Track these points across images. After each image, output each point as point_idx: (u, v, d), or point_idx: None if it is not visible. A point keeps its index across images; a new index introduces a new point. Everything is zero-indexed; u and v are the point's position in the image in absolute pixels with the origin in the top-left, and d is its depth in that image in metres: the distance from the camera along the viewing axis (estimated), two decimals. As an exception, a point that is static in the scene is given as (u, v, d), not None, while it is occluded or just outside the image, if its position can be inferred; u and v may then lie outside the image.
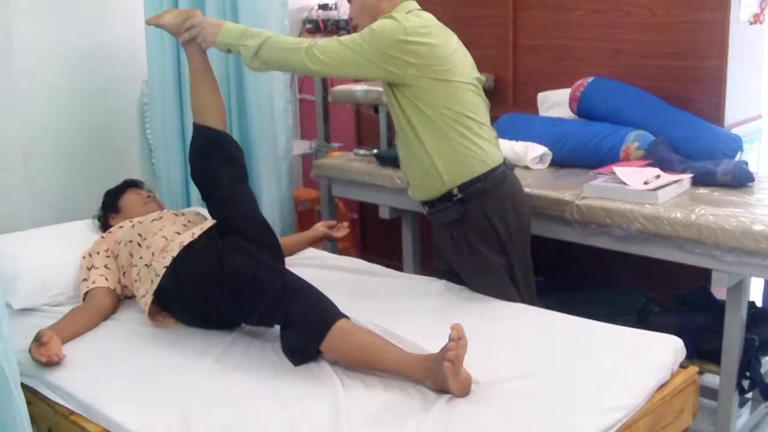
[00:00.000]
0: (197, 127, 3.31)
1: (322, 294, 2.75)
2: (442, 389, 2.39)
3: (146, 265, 3.03)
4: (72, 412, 2.57)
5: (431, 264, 3.48)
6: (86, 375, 2.67)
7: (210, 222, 3.16)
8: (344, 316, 2.67)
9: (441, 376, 2.36)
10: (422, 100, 2.98)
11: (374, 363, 2.54)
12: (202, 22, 3.17)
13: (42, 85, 4.16)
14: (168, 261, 2.94)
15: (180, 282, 2.92)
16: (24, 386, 2.76)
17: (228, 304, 2.83)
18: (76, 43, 4.26)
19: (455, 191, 3.04)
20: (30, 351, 2.74)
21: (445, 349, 2.35)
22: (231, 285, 2.81)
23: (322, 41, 2.99)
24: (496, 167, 3.08)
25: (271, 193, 4.19)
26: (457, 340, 2.33)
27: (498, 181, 3.08)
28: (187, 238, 3.03)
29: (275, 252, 3.20)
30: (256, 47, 3.01)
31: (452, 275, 3.23)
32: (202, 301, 2.89)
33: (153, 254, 3.04)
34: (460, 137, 3.01)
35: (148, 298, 2.96)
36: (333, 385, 2.47)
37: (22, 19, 4.06)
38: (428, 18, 3.07)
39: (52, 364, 2.71)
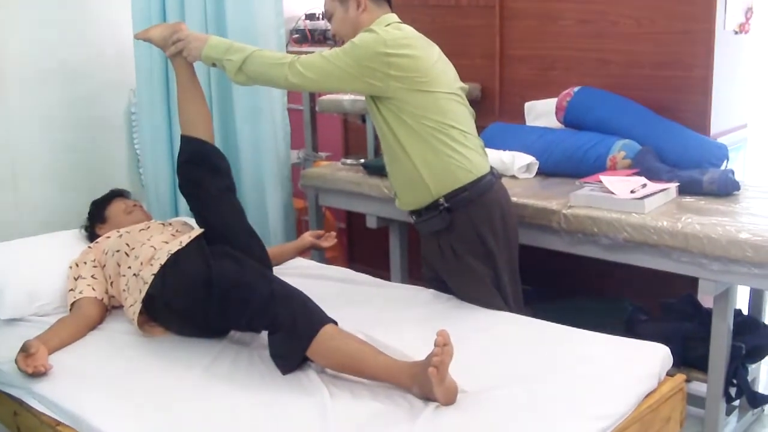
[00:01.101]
0: (185, 139, 3.30)
1: (309, 299, 2.75)
2: (427, 397, 2.39)
3: (134, 274, 3.02)
4: (58, 423, 2.56)
5: (419, 273, 3.49)
6: (73, 385, 2.66)
7: (198, 231, 3.16)
8: (332, 321, 2.68)
9: (426, 383, 2.36)
10: (405, 111, 3.00)
11: (361, 369, 2.54)
12: (188, 36, 3.20)
13: (29, 95, 4.16)
14: (156, 268, 2.93)
15: (168, 289, 2.91)
16: (10, 397, 2.77)
17: (216, 310, 2.82)
18: (63, 53, 4.26)
19: (441, 201, 3.04)
20: (16, 361, 2.72)
21: (430, 355, 2.35)
22: (219, 290, 2.81)
23: (305, 57, 3.01)
24: (483, 176, 3.09)
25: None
26: (443, 346, 2.34)
27: (484, 190, 3.09)
28: (175, 246, 3.02)
29: (263, 261, 3.19)
30: (240, 62, 3.04)
31: (440, 283, 3.24)
32: (191, 307, 2.88)
33: (141, 264, 3.03)
34: (444, 147, 3.02)
35: (137, 307, 2.94)
36: (321, 394, 2.47)
37: (8, 30, 4.05)
38: (409, 30, 3.09)
39: (38, 374, 2.69)
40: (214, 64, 3.15)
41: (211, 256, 2.96)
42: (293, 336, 2.63)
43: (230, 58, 3.06)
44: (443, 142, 3.02)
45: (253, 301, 2.73)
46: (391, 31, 3.00)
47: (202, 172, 3.25)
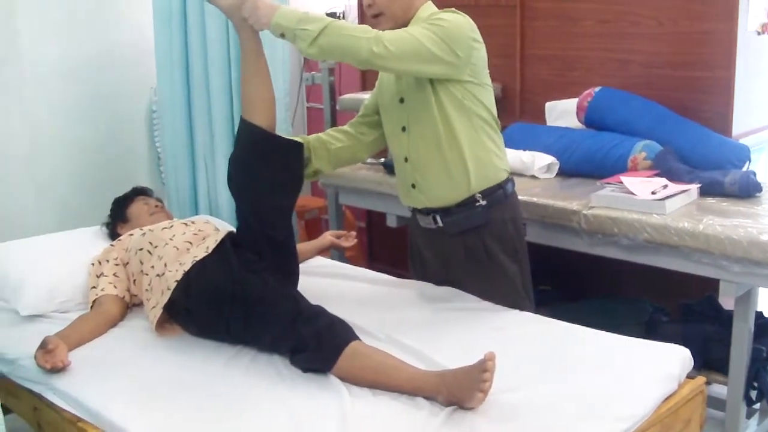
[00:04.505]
0: (245, 125, 3.04)
1: (334, 317, 2.73)
2: (452, 405, 2.39)
3: (158, 275, 3.03)
4: (79, 419, 2.57)
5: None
6: (93, 382, 2.67)
7: (223, 232, 3.15)
8: (356, 338, 2.65)
9: (459, 395, 2.35)
10: (466, 100, 2.94)
11: (386, 383, 2.51)
12: (257, 2, 2.86)
13: (51, 93, 4.19)
14: (179, 275, 2.93)
15: (191, 297, 2.90)
16: (31, 392, 2.79)
17: (239, 325, 2.80)
18: (84, 50, 4.29)
19: (477, 197, 3.01)
20: (35, 357, 2.74)
21: (475, 378, 2.33)
22: (243, 307, 2.79)
23: (390, 32, 2.82)
24: (510, 175, 3.11)
25: None
26: (492, 371, 2.33)
27: (512, 189, 3.10)
28: (201, 252, 3.01)
29: (291, 277, 3.14)
30: (316, 32, 2.74)
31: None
32: (213, 318, 2.87)
33: (165, 264, 3.03)
34: (490, 142, 3.01)
35: (158, 310, 2.94)
36: (340, 392, 2.47)
37: (30, 27, 4.08)
38: None
39: (56, 370, 2.71)
40: (282, 35, 2.83)
41: (238, 267, 2.92)
42: (317, 357, 2.60)
43: (305, 27, 2.75)
44: (490, 137, 3.01)
45: (278, 320, 2.71)
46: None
47: (261, 165, 3.02)
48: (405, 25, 2.94)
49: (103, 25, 4.38)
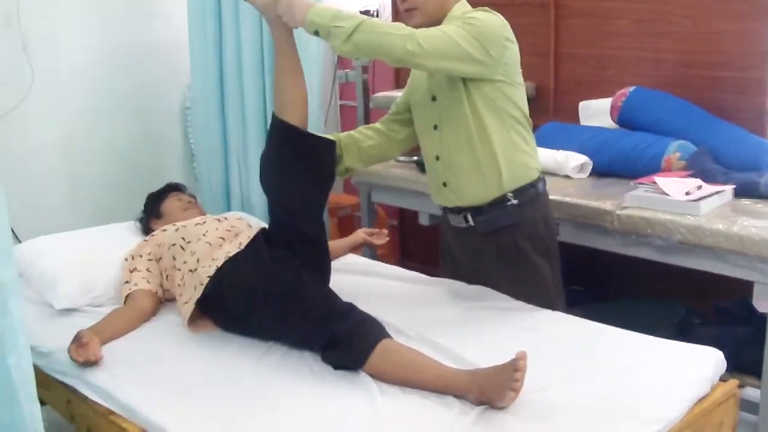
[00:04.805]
0: (278, 122, 3.03)
1: (366, 315, 2.73)
2: (483, 404, 2.38)
3: (190, 270, 3.05)
4: (111, 412, 2.59)
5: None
6: (126, 376, 2.69)
7: (256, 229, 3.16)
8: (387, 335, 2.65)
9: (490, 394, 2.35)
10: (499, 99, 2.93)
11: (417, 381, 2.50)
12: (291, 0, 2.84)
13: (86, 88, 4.23)
14: (212, 271, 2.95)
15: (224, 293, 2.92)
16: (64, 385, 2.81)
17: (271, 321, 2.82)
18: (119, 46, 4.33)
19: (509, 196, 3.00)
20: (68, 351, 2.77)
21: (507, 378, 2.33)
22: (276, 303, 2.80)
23: (424, 30, 2.81)
24: (541, 174, 3.10)
25: None
26: (523, 370, 2.33)
27: (543, 189, 3.09)
28: (234, 248, 3.03)
29: (323, 274, 3.14)
30: (351, 29, 2.72)
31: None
32: (245, 315, 2.88)
33: (198, 260, 3.05)
34: (522, 141, 3.00)
35: (190, 306, 2.96)
36: (370, 389, 2.48)
37: (67, 19, 4.12)
38: None
39: (89, 364, 2.74)
40: (316, 32, 2.80)
41: (271, 264, 2.94)
42: (348, 354, 2.60)
43: (339, 24, 2.73)
44: (522, 135, 3.00)
45: (310, 317, 2.72)
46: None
47: (294, 165, 3.03)
48: (438, 21, 2.93)
49: (138, 21, 4.41)
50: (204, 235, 3.19)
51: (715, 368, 2.59)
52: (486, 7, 2.94)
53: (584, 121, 4.13)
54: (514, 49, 2.95)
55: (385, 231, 3.67)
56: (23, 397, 2.10)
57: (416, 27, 2.82)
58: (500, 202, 3.01)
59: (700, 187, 3.24)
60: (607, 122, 3.95)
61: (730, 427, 2.63)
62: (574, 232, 3.38)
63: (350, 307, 2.76)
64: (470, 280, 3.20)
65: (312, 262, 3.05)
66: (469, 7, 3.01)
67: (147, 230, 3.58)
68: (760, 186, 3.29)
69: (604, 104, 3.98)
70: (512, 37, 2.94)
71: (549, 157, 3.71)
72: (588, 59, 4.25)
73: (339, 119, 5.62)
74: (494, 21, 2.88)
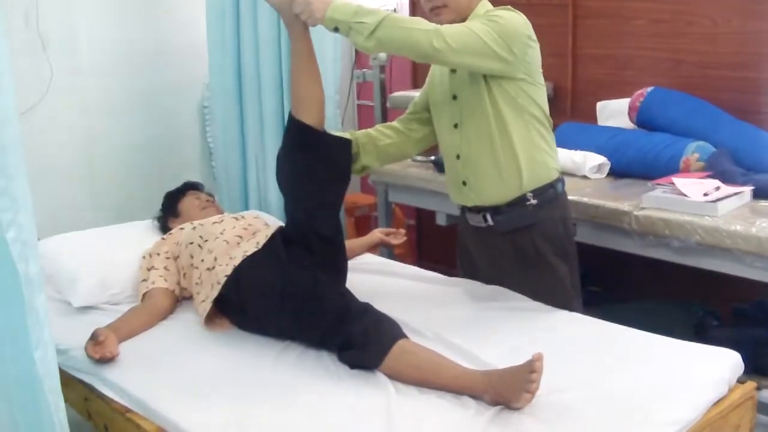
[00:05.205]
0: (294, 122, 3.02)
1: (382, 314, 2.73)
2: (499, 405, 2.38)
3: (208, 269, 3.06)
4: (128, 410, 2.60)
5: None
6: (143, 373, 2.71)
7: (273, 228, 3.17)
8: (403, 336, 2.65)
9: (506, 395, 2.35)
10: (520, 98, 2.92)
11: (432, 382, 2.50)
12: None
13: (106, 86, 4.25)
14: (230, 270, 2.96)
15: (241, 292, 2.93)
16: (82, 383, 2.83)
17: (288, 321, 2.82)
18: (138, 45, 4.35)
19: (529, 195, 2.99)
20: (85, 348, 2.78)
21: (523, 379, 2.33)
22: (292, 302, 2.80)
23: (450, 26, 2.79)
24: (561, 175, 3.10)
25: None
26: (539, 371, 2.33)
27: (562, 189, 3.09)
28: (251, 247, 3.04)
29: (340, 273, 3.14)
30: (374, 25, 2.67)
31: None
32: (263, 314, 2.89)
33: (215, 258, 3.06)
34: (542, 141, 3.00)
35: (207, 305, 2.97)
36: (387, 389, 2.48)
37: (87, 18, 4.14)
38: None
39: (105, 361, 2.75)
40: (336, 29, 2.75)
41: (288, 263, 2.95)
42: (365, 354, 2.61)
43: (361, 20, 2.69)
44: (542, 135, 2.99)
45: (327, 317, 2.73)
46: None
47: (311, 165, 3.03)
48: (464, 19, 2.92)
49: (157, 20, 4.42)
50: (221, 233, 3.20)
51: (733, 370, 2.58)
52: (508, 6, 2.94)
53: (602, 121, 4.13)
54: (536, 48, 2.95)
55: (402, 231, 3.67)
56: (48, 390, 2.15)
57: (445, 24, 2.81)
58: (519, 202, 3.01)
59: (718, 188, 3.23)
60: (625, 123, 3.94)
61: (748, 429, 2.62)
62: (591, 233, 3.37)
63: (367, 307, 2.77)
64: (487, 280, 3.19)
65: (328, 262, 3.05)
66: (490, 6, 3.01)
67: (165, 229, 3.59)
68: (779, 187, 3.28)
69: (622, 105, 3.98)
70: (534, 36, 2.93)
71: (567, 157, 3.70)
72: (606, 59, 4.24)
73: (356, 119, 5.61)
74: (517, 19, 2.88)
